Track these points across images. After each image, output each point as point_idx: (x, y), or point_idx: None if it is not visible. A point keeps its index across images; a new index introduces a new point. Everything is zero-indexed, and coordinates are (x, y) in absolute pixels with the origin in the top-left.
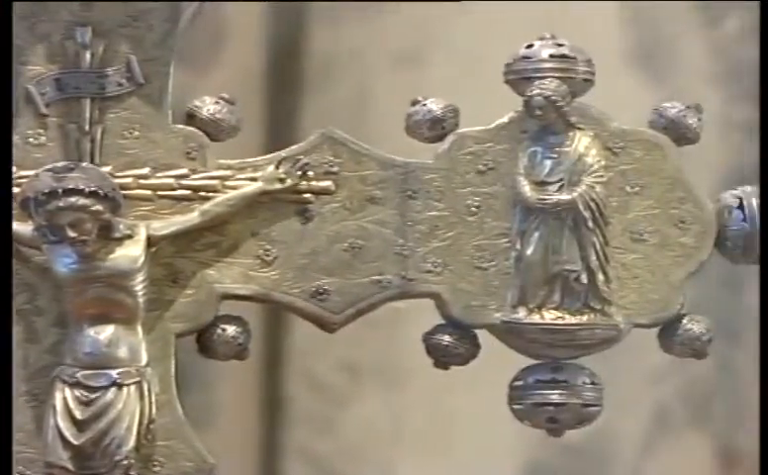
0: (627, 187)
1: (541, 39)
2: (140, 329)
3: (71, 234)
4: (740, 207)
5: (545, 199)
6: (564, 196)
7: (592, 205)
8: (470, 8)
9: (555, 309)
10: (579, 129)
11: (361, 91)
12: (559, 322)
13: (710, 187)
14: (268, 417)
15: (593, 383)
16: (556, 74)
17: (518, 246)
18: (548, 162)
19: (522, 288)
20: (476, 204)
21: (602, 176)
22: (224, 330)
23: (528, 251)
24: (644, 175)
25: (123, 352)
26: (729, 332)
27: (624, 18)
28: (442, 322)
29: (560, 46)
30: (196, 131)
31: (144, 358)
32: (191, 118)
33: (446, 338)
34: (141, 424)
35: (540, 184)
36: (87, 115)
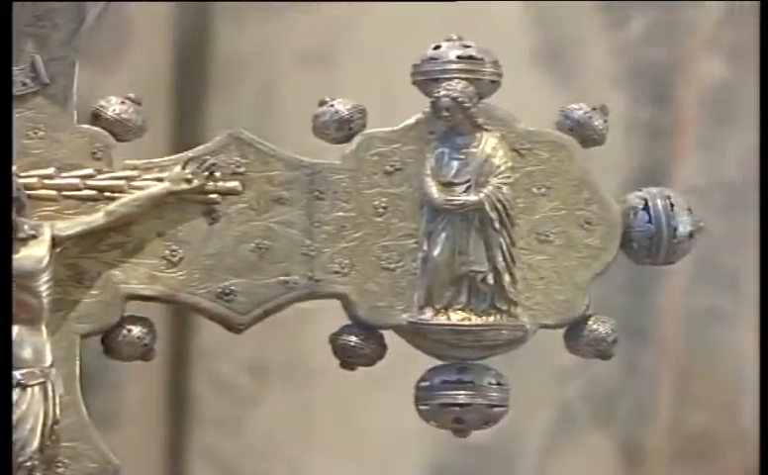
0: (534, 188)
1: (448, 40)
2: (44, 329)
3: None
4: (645, 208)
5: (452, 200)
6: (471, 197)
7: (499, 206)
8: (377, 9)
9: (462, 310)
10: (486, 130)
11: (268, 91)
12: (465, 322)
13: (615, 188)
14: (174, 417)
15: (499, 384)
16: (463, 75)
17: (425, 247)
18: (455, 163)
19: (428, 289)
20: (383, 205)
21: (509, 177)
22: (129, 330)
23: (435, 252)
24: (551, 176)
25: (27, 353)
26: (634, 333)
27: (528, 19)
28: (349, 322)
29: (467, 47)
30: (101, 131)
31: (48, 359)
32: (96, 118)
33: (353, 339)
34: (45, 425)
35: (447, 185)
36: None
